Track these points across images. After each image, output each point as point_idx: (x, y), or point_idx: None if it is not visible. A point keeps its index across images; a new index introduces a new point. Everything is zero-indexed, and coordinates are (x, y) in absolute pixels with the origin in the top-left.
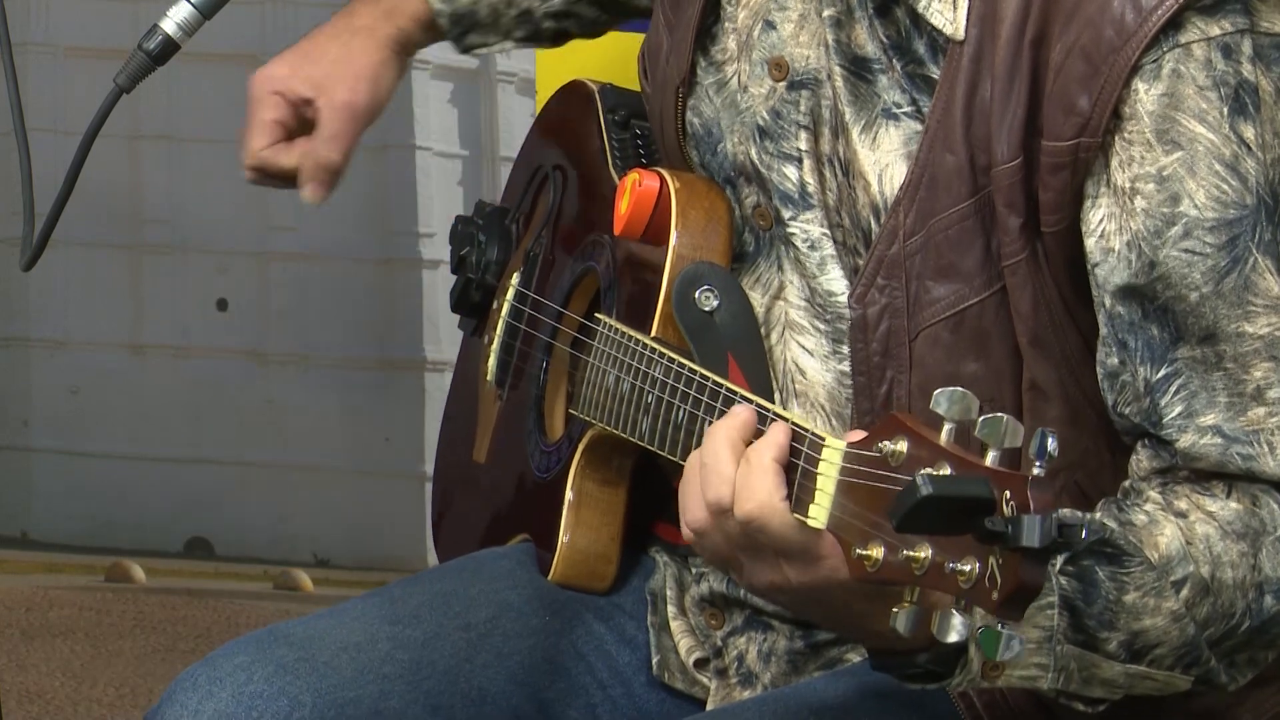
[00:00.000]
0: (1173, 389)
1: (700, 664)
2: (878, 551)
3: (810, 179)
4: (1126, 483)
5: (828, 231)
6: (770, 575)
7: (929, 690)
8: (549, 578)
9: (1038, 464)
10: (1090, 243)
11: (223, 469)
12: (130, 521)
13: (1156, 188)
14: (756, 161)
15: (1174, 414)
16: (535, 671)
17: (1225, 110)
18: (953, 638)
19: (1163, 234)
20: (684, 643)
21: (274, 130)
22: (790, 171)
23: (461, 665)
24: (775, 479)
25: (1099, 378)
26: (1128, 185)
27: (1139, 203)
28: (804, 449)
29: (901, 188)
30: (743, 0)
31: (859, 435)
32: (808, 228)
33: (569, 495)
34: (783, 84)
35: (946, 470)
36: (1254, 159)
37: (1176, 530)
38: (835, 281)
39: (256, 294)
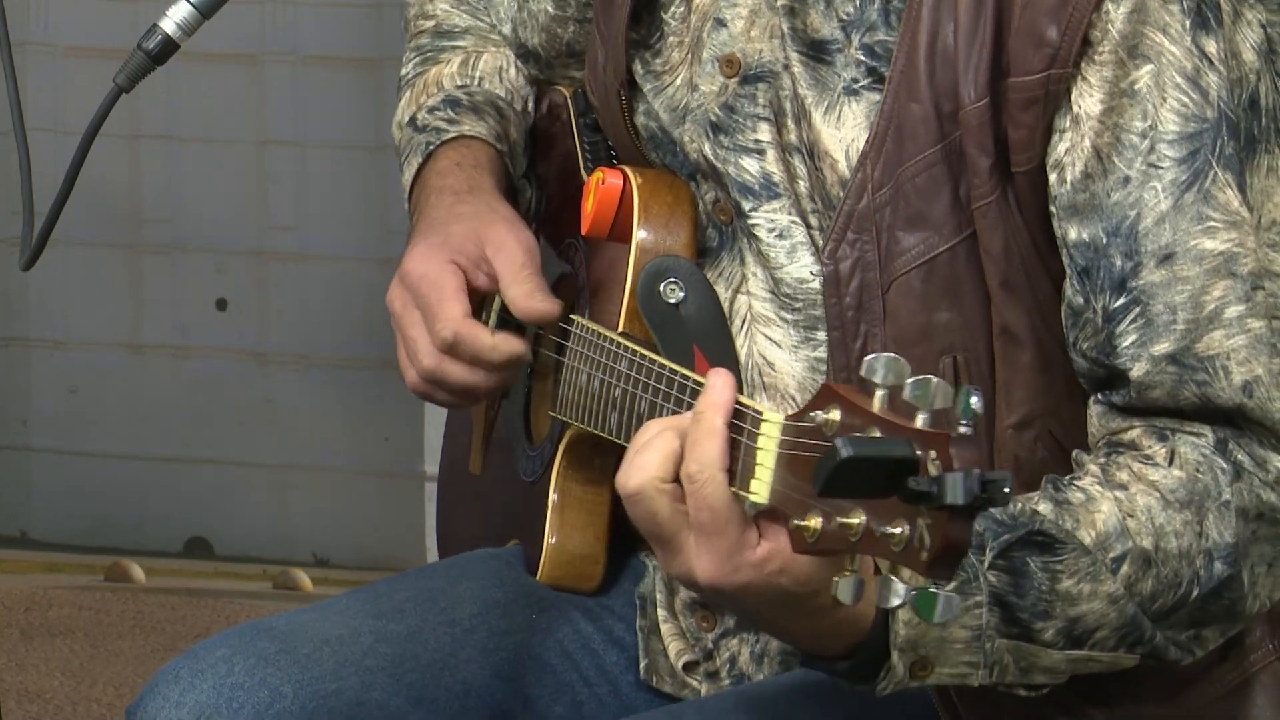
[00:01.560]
0: (1129, 317)
1: (690, 667)
2: (815, 522)
3: (775, 169)
4: (1075, 453)
5: (798, 219)
6: (692, 560)
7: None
8: (537, 578)
9: (964, 423)
10: (1054, 177)
11: (222, 469)
12: (130, 521)
13: (1129, 102)
14: (711, 157)
15: (1129, 342)
16: (520, 667)
17: (1188, 24)
18: (894, 602)
19: (1125, 150)
20: (673, 646)
21: (463, 297)
22: (749, 164)
23: (445, 660)
24: (723, 444)
25: (1063, 318)
26: (1097, 109)
27: (1108, 120)
28: (745, 425)
29: (867, 141)
30: (693, 4)
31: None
32: (774, 217)
33: (552, 497)
34: (734, 80)
35: (876, 434)
36: (1215, 74)
37: (1114, 506)
38: (806, 268)
39: (256, 294)
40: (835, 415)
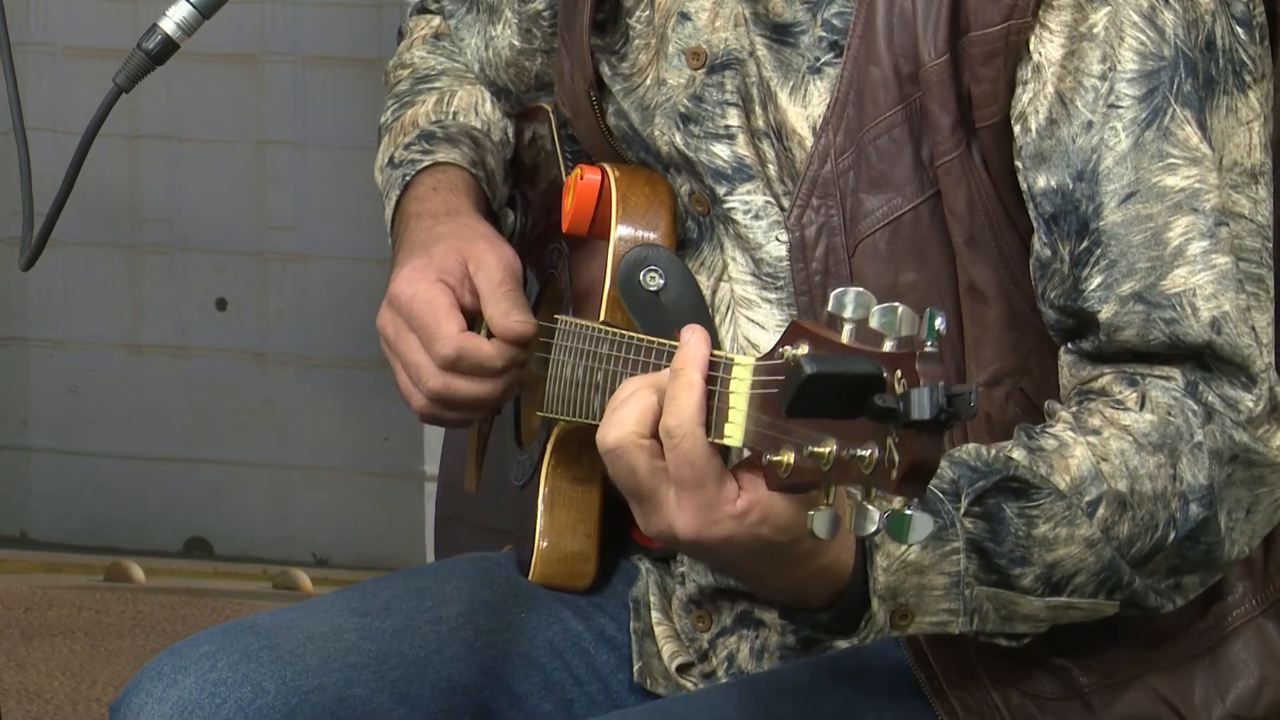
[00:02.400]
0: (1093, 260)
1: (684, 669)
2: (788, 456)
3: (747, 152)
4: (1047, 403)
5: (772, 199)
6: (673, 515)
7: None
8: (529, 578)
9: (929, 343)
10: (1018, 128)
11: (222, 469)
12: (129, 521)
13: (1089, 45)
14: (683, 147)
15: (1095, 285)
16: (508, 665)
17: None
18: (870, 529)
19: (1086, 94)
20: (667, 648)
21: (457, 314)
22: (720, 149)
23: (431, 657)
24: (701, 398)
25: (1031, 270)
26: (1058, 54)
27: (1069, 65)
28: (717, 374)
29: (829, 107)
30: (656, 4)
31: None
32: (748, 198)
33: (542, 495)
34: (701, 70)
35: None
36: (1171, 11)
37: (1087, 451)
38: (782, 247)
39: (256, 294)
40: (804, 349)
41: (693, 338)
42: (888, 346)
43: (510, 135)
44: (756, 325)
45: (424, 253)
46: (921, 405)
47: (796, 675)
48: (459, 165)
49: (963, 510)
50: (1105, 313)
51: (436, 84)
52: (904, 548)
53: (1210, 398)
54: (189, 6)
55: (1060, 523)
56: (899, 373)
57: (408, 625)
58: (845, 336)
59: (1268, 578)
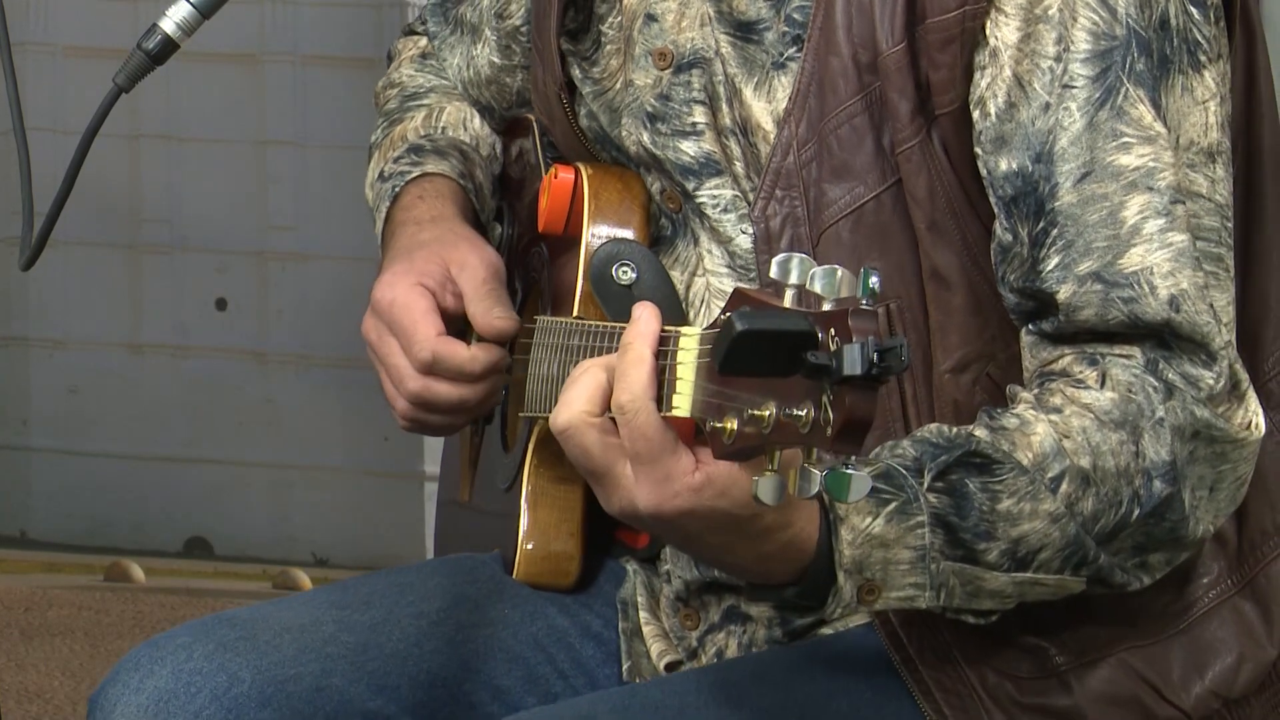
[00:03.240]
0: (1050, 240)
1: (672, 667)
2: (731, 423)
3: (713, 148)
4: (1010, 387)
5: (739, 194)
6: (632, 490)
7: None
8: (513, 577)
9: (864, 301)
10: (977, 113)
11: (222, 469)
12: (129, 521)
13: (1044, 27)
14: (650, 146)
15: (1052, 265)
16: (490, 660)
17: None
18: (812, 490)
19: (1043, 75)
20: (655, 647)
21: (435, 317)
22: (687, 146)
23: (411, 649)
24: (649, 372)
25: (992, 255)
26: (1014, 37)
27: (1025, 47)
28: (667, 348)
29: (790, 99)
30: (622, 5)
31: None
32: (717, 193)
33: (524, 495)
34: (668, 71)
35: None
36: None
37: (1049, 428)
38: (749, 239)
39: (256, 294)
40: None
41: (643, 314)
42: (826, 307)
43: (498, 151)
44: None
45: (406, 258)
46: (853, 360)
47: (770, 661)
48: (447, 175)
49: (925, 485)
50: (1064, 293)
51: (424, 100)
52: (868, 520)
53: (1171, 375)
54: (189, 6)
55: (1024, 497)
56: (832, 331)
57: (388, 618)
58: (787, 301)
59: (1241, 557)
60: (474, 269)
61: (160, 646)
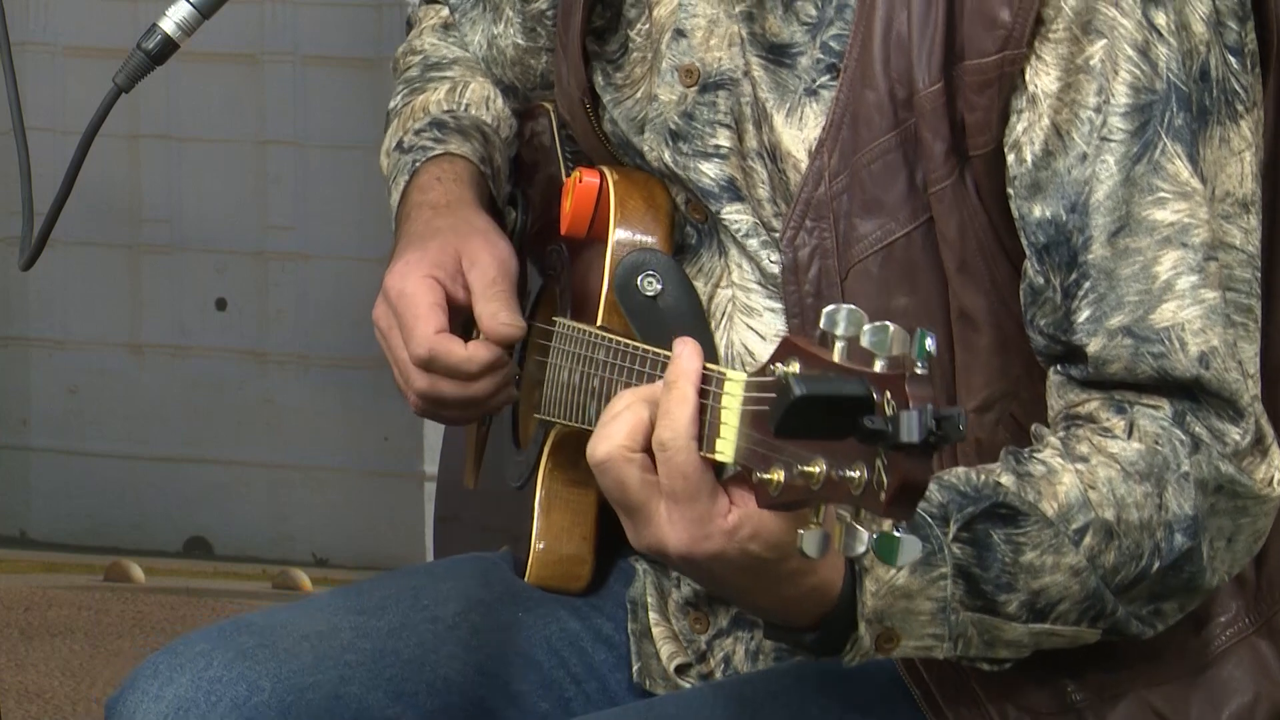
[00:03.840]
0: (1082, 292)
1: (682, 670)
2: (779, 475)
3: (736, 174)
4: (1035, 427)
5: (759, 222)
6: (664, 529)
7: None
8: (525, 579)
9: (919, 365)
10: (1012, 158)
11: (222, 469)
12: (129, 521)
13: (1085, 78)
14: (671, 164)
15: (1084, 318)
16: (504, 664)
17: None
18: (859, 550)
19: (1082, 126)
20: (665, 649)
21: (438, 313)
22: (708, 168)
23: (427, 655)
24: (693, 411)
25: (1021, 296)
26: (1054, 86)
27: (1065, 97)
28: (710, 388)
29: (824, 129)
30: (652, 15)
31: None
32: (737, 218)
33: (538, 498)
34: (693, 89)
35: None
36: (1165, 45)
37: (1076, 479)
38: (774, 265)
39: (256, 294)
40: (795, 367)
41: (685, 350)
42: (878, 366)
43: (515, 133)
44: (755, 333)
45: (420, 245)
46: (910, 428)
47: (785, 678)
48: (468, 159)
49: (951, 536)
50: (1094, 346)
51: (448, 73)
52: (893, 572)
53: (1198, 429)
54: (189, 6)
55: (1047, 550)
56: (888, 394)
57: (404, 624)
58: (836, 355)
59: (1259, 596)
60: (485, 266)
61: (179, 653)
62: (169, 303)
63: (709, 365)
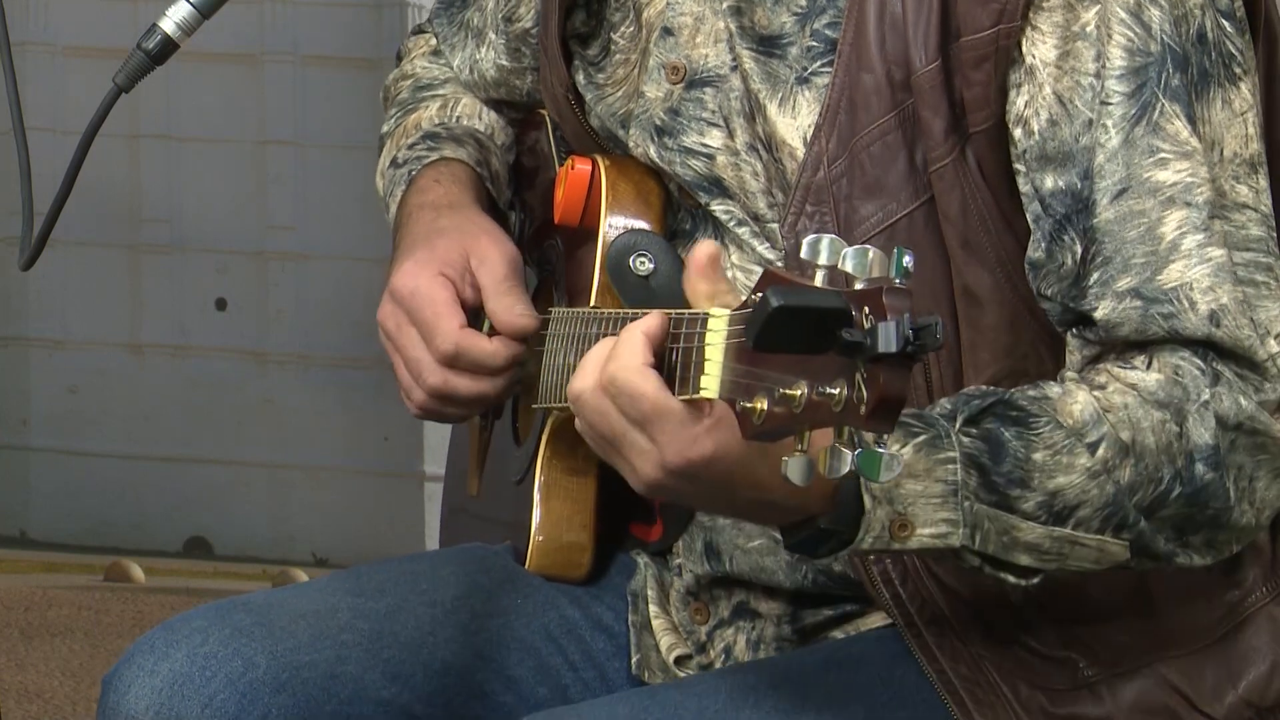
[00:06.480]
0: (1089, 257)
1: (681, 661)
2: (761, 402)
3: (725, 173)
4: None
5: (747, 215)
6: (651, 451)
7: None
8: (525, 568)
9: (896, 280)
10: (1018, 132)
11: (221, 468)
12: (129, 521)
13: (1082, 45)
14: (657, 159)
15: (1092, 281)
16: (502, 649)
17: None
18: (844, 469)
19: (1083, 92)
20: (665, 640)
21: (458, 309)
22: (695, 164)
23: (425, 638)
24: (640, 347)
25: (1026, 268)
26: (1052, 55)
27: (1064, 65)
28: (684, 330)
29: (820, 114)
30: (640, 17)
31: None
32: (725, 213)
33: (537, 487)
34: (680, 85)
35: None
36: (1157, 7)
37: (1090, 399)
38: (770, 252)
39: (256, 294)
40: None
41: (652, 312)
42: (858, 286)
43: (512, 140)
44: None
45: (426, 245)
46: (888, 338)
47: (788, 665)
48: (464, 161)
49: (958, 426)
50: (1102, 310)
51: (439, 91)
52: (896, 448)
53: (1219, 366)
54: (189, 6)
55: (1060, 451)
56: (866, 308)
57: (402, 606)
58: (818, 281)
59: (1276, 565)
60: (494, 264)
61: (175, 630)
62: (169, 303)
63: (682, 310)
